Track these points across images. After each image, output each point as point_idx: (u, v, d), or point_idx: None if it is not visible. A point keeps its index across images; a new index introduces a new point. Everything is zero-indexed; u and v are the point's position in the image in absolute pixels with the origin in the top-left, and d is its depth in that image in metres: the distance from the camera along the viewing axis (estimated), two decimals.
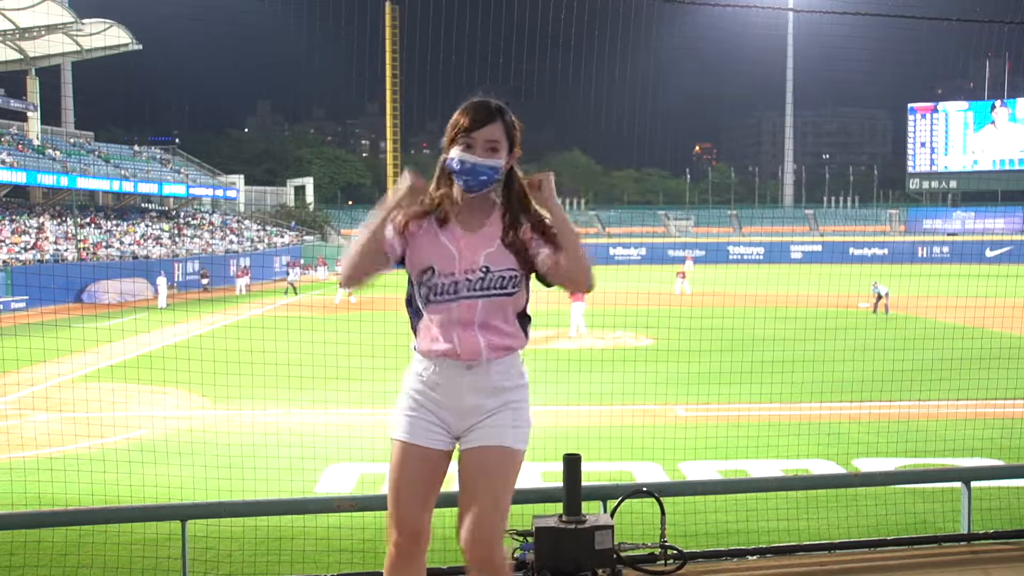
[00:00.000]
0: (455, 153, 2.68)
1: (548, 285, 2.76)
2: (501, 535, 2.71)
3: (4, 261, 33.05)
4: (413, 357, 2.83)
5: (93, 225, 43.25)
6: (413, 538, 2.81)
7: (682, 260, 54.12)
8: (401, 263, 2.78)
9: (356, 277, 2.72)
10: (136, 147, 55.65)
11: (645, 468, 8.84)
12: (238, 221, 56.10)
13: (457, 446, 2.80)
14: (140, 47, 47.39)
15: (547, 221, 2.70)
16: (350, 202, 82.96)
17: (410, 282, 2.80)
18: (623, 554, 4.12)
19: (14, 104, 45.21)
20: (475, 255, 2.69)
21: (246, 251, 48.86)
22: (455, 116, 2.72)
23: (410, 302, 2.83)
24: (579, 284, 2.67)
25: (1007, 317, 13.67)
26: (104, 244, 41.10)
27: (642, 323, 15.24)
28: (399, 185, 2.72)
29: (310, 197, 70.48)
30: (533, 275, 2.76)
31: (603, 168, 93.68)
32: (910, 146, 76.57)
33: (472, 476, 2.73)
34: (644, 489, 4.42)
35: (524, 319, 2.81)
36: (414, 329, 2.84)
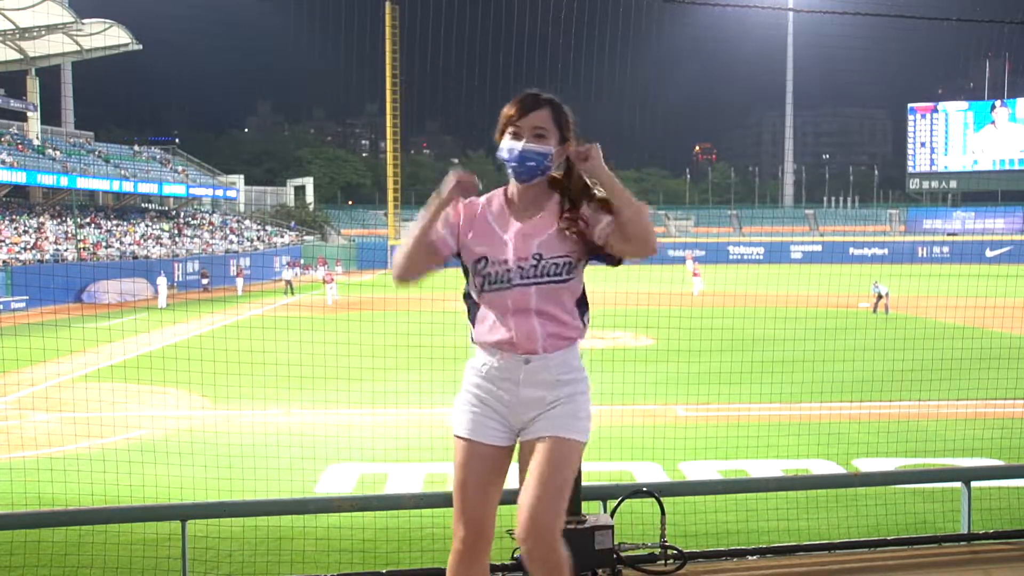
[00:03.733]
0: (504, 142, 2.71)
1: (615, 263, 2.74)
2: (560, 528, 2.69)
3: (4, 261, 33.05)
4: (473, 351, 2.84)
5: (93, 225, 43.25)
6: (479, 535, 2.78)
7: (683, 260, 54.19)
8: (457, 257, 2.80)
9: (408, 276, 2.74)
10: (136, 147, 55.63)
11: (645, 468, 8.84)
12: (238, 221, 56.11)
13: (517, 440, 2.82)
14: (140, 47, 47.39)
15: (597, 192, 2.69)
16: (350, 202, 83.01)
17: (466, 273, 2.81)
18: (623, 554, 4.12)
19: (14, 104, 45.21)
20: (528, 243, 2.70)
21: (246, 251, 48.87)
22: (505, 108, 2.74)
23: (468, 295, 2.84)
24: (645, 244, 2.62)
25: (1007, 317, 13.66)
26: (104, 244, 41.10)
27: (642, 323, 15.24)
28: (444, 183, 2.71)
29: (310, 197, 70.47)
30: (596, 261, 2.77)
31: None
32: (910, 146, 76.56)
33: (531, 468, 2.72)
34: (644, 489, 4.42)
35: (582, 307, 2.82)
36: (472, 320, 2.84)
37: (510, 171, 2.73)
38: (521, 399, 2.75)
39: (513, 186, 2.78)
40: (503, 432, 2.79)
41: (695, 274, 34.44)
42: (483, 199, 2.81)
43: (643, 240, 2.61)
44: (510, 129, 2.70)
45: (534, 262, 2.69)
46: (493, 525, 2.81)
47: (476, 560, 2.80)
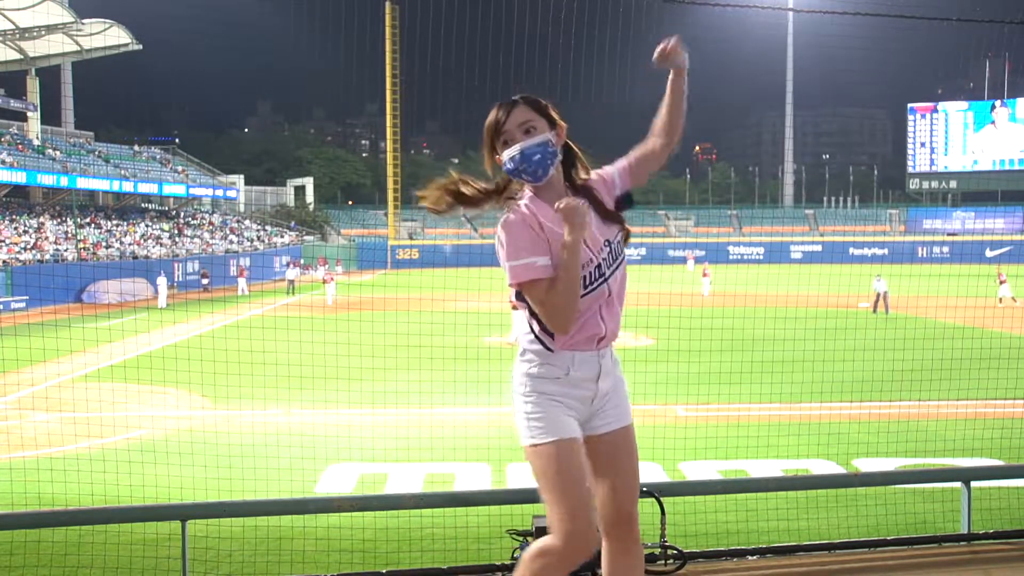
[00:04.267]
0: (504, 155, 2.68)
1: (631, 204, 2.84)
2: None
3: (4, 261, 33.06)
4: (534, 359, 2.75)
5: (93, 225, 43.26)
6: (595, 532, 2.75)
7: (683, 260, 54.22)
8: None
9: (573, 316, 2.67)
10: (136, 147, 55.64)
11: (645, 468, 8.82)
12: (238, 221, 56.11)
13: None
14: (140, 47, 47.41)
15: (596, 172, 2.83)
16: (350, 202, 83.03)
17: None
18: None
19: (14, 104, 45.22)
20: (594, 234, 2.70)
21: (246, 251, 48.87)
22: (484, 127, 2.73)
23: (531, 311, 2.75)
24: (678, 133, 2.86)
25: (1007, 317, 13.67)
26: (104, 244, 41.10)
27: (642, 323, 15.24)
28: (580, 215, 2.60)
29: (310, 197, 70.49)
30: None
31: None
32: (910, 146, 76.55)
33: (612, 456, 2.80)
34: (644, 489, 4.41)
35: None
36: (536, 336, 2.75)
37: (526, 177, 2.69)
38: (600, 393, 2.80)
39: (531, 192, 2.73)
40: (579, 428, 2.79)
41: (705, 274, 34.08)
42: (527, 215, 2.69)
43: (682, 121, 2.86)
44: (500, 140, 2.69)
45: (607, 248, 2.73)
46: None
47: (634, 544, 2.88)
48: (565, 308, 2.62)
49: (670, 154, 2.89)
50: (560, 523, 2.67)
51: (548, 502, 2.71)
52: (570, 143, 2.80)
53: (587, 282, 2.69)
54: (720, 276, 34.02)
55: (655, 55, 2.78)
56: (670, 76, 2.85)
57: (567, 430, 2.72)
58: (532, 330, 2.75)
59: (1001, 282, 27.44)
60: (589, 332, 2.73)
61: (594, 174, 2.84)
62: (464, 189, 2.78)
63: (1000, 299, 26.78)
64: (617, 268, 2.76)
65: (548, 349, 2.72)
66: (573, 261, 2.59)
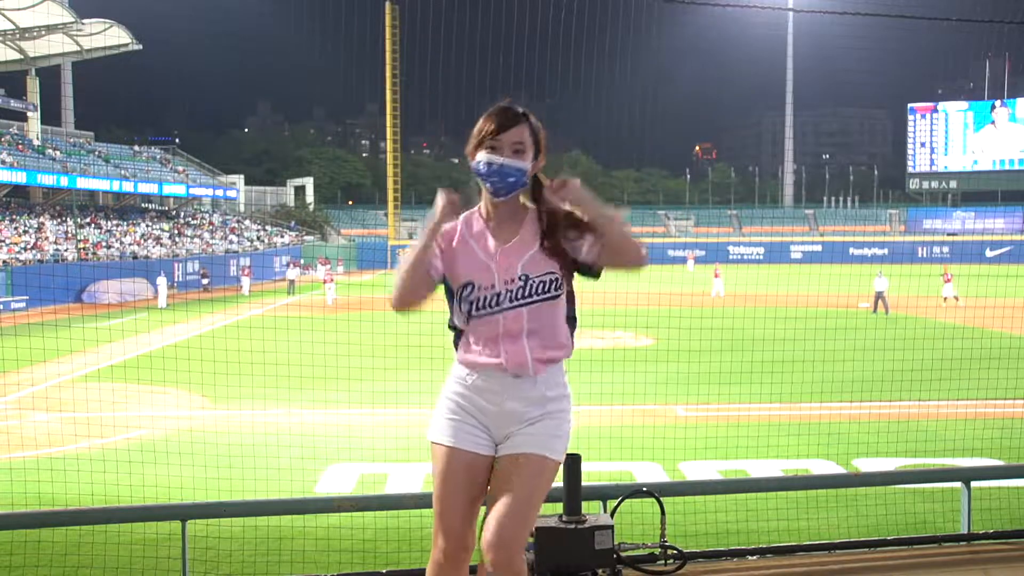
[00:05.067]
0: (481, 156, 2.66)
1: (596, 277, 2.72)
2: (523, 543, 2.70)
3: (4, 261, 33.06)
4: (455, 363, 2.81)
5: (93, 225, 43.26)
6: (460, 546, 2.77)
7: (683, 260, 54.20)
8: (443, 282, 2.79)
9: (407, 301, 2.70)
10: (136, 147, 55.65)
11: (645, 468, 8.84)
12: (238, 221, 56.11)
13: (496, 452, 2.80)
14: (140, 47, 47.39)
15: (577, 214, 2.66)
16: (350, 202, 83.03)
17: (449, 299, 2.78)
18: (623, 554, 4.11)
19: (14, 104, 45.22)
20: (513, 264, 2.67)
21: (246, 251, 48.86)
22: (480, 123, 2.70)
23: (452, 324, 2.81)
24: (632, 260, 2.61)
25: (1007, 317, 13.67)
26: (104, 244, 41.10)
27: (642, 323, 15.24)
28: (434, 206, 2.67)
29: (310, 197, 70.47)
30: (576, 274, 2.74)
31: (603, 168, 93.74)
32: (910, 146, 76.57)
33: (504, 480, 2.70)
34: (644, 489, 4.41)
35: (572, 324, 2.80)
36: (456, 344, 2.82)
37: (488, 186, 2.67)
38: (504, 411, 2.73)
39: (486, 204, 2.74)
40: (485, 441, 2.76)
41: (716, 275, 33.59)
42: (460, 220, 2.75)
43: (628, 258, 2.61)
44: (488, 143, 2.66)
45: (521, 283, 2.66)
46: (475, 535, 2.78)
47: (456, 570, 2.78)
48: (395, 284, 2.69)
49: (625, 269, 2.67)
50: (434, 525, 2.76)
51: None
52: (540, 177, 2.75)
53: (479, 304, 2.68)
54: (720, 276, 33.94)
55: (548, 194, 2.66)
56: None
57: (444, 435, 2.77)
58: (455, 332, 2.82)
59: (946, 281, 27.51)
60: (485, 356, 2.70)
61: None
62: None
63: (944, 298, 27.00)
64: (525, 305, 2.66)
65: (458, 361, 2.80)
66: (415, 245, 2.67)
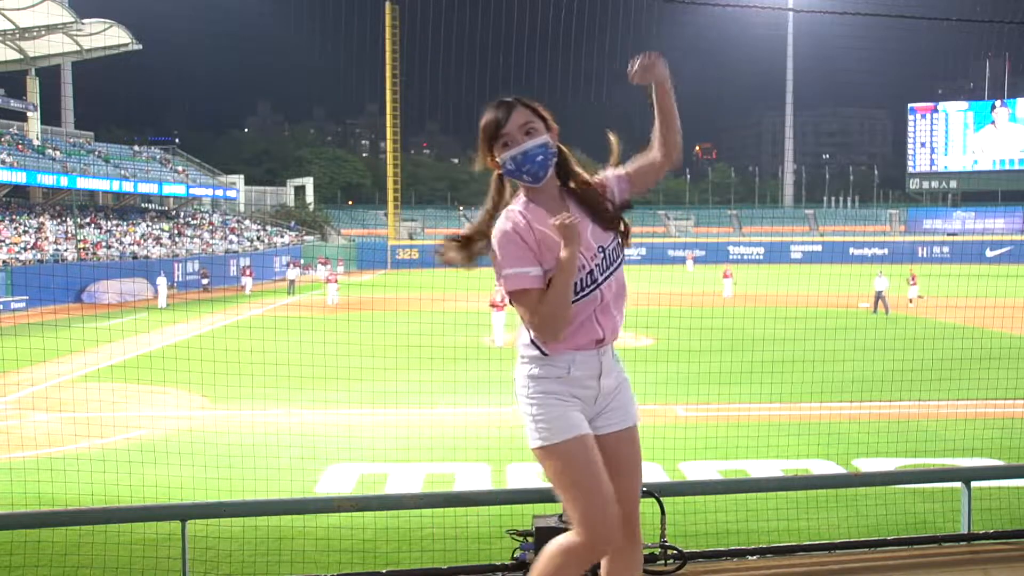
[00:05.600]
0: (504, 156, 2.70)
1: (630, 207, 2.83)
2: None
3: (4, 261, 33.06)
4: (534, 361, 2.74)
5: (93, 225, 43.25)
6: (623, 524, 2.78)
7: (683, 260, 54.21)
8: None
9: (564, 325, 2.68)
10: (136, 147, 55.64)
11: (645, 468, 8.81)
12: (238, 221, 56.11)
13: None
14: (140, 47, 47.40)
15: (596, 176, 2.81)
16: (350, 202, 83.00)
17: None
18: None
19: (14, 104, 45.22)
20: (586, 240, 2.70)
21: (246, 251, 48.87)
22: (481, 127, 2.72)
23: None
24: (678, 136, 2.78)
25: (1007, 317, 13.67)
26: (104, 244, 41.10)
27: (642, 323, 15.23)
28: (568, 234, 2.60)
29: (310, 197, 70.47)
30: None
31: (603, 168, 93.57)
32: (910, 146, 76.56)
33: (618, 457, 2.79)
34: (644, 489, 4.41)
35: None
36: (534, 345, 2.75)
37: (526, 177, 2.70)
38: (603, 391, 2.79)
39: (524, 198, 2.73)
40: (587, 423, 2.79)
41: (726, 275, 33.11)
42: (521, 221, 2.68)
43: (675, 147, 2.79)
44: (500, 142, 2.69)
45: (601, 255, 2.72)
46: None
47: (635, 548, 2.91)
48: (555, 319, 2.63)
49: (672, 168, 2.87)
50: (583, 518, 2.65)
51: (567, 500, 2.70)
52: (561, 146, 2.81)
53: (578, 288, 2.68)
54: (720, 276, 33.92)
55: (632, 70, 2.72)
56: (653, 93, 2.78)
57: (576, 427, 2.71)
58: (529, 334, 2.75)
59: (912, 284, 27.55)
60: (585, 337, 2.73)
61: (595, 177, 2.83)
62: (465, 233, 2.78)
63: (911, 300, 27.06)
64: (612, 274, 2.74)
65: (545, 353, 2.72)
66: (567, 277, 2.61)
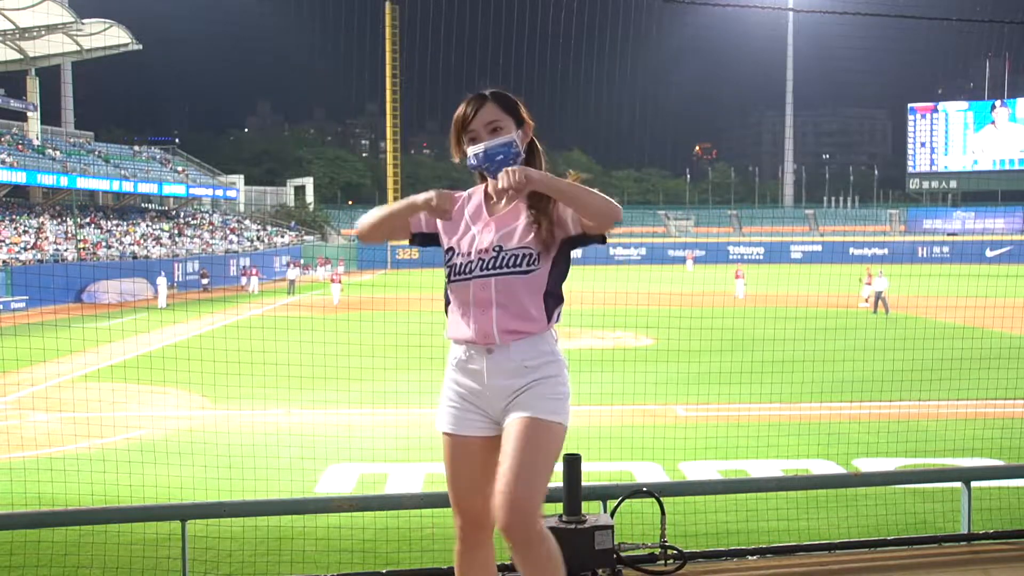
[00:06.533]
0: (469, 151, 2.72)
1: (602, 241, 2.74)
2: (534, 505, 2.61)
3: (4, 261, 33.06)
4: (449, 344, 2.87)
5: (93, 225, 43.26)
6: (477, 526, 2.82)
7: (683, 260, 54.21)
8: (422, 243, 2.88)
9: (373, 236, 2.81)
10: (136, 147, 55.65)
11: (645, 468, 8.83)
12: (238, 221, 56.11)
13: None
14: (140, 47, 47.41)
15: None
16: (350, 202, 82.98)
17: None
18: (623, 554, 4.12)
19: (14, 104, 45.22)
20: (491, 235, 2.72)
21: (246, 251, 48.87)
22: (452, 120, 2.76)
23: (445, 289, 2.88)
24: (609, 213, 2.61)
25: (1007, 317, 13.67)
26: (104, 244, 41.10)
27: (642, 323, 15.24)
28: (424, 196, 2.68)
29: (310, 197, 70.47)
30: (581, 245, 2.76)
31: (603, 168, 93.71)
32: (910, 146, 76.59)
33: (503, 448, 2.69)
34: (644, 489, 4.41)
35: (551, 300, 2.76)
36: (446, 313, 2.88)
37: (489, 175, 2.74)
38: (493, 388, 2.73)
39: (492, 184, 2.78)
40: (483, 423, 2.79)
41: (738, 276, 32.67)
42: (466, 194, 2.84)
43: (605, 212, 2.61)
44: (467, 136, 2.72)
45: (494, 254, 2.69)
46: (491, 516, 2.74)
47: (478, 549, 2.84)
48: (373, 216, 2.80)
49: (607, 229, 2.70)
50: (452, 511, 2.87)
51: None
52: (535, 141, 2.82)
53: (456, 270, 2.75)
54: (720, 276, 33.91)
55: (499, 189, 2.61)
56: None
57: (454, 424, 2.83)
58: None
59: (867, 284, 27.52)
60: (458, 331, 2.77)
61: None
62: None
63: (866, 298, 27.10)
64: (496, 276, 2.67)
65: (447, 336, 2.85)
66: (396, 206, 2.76)
